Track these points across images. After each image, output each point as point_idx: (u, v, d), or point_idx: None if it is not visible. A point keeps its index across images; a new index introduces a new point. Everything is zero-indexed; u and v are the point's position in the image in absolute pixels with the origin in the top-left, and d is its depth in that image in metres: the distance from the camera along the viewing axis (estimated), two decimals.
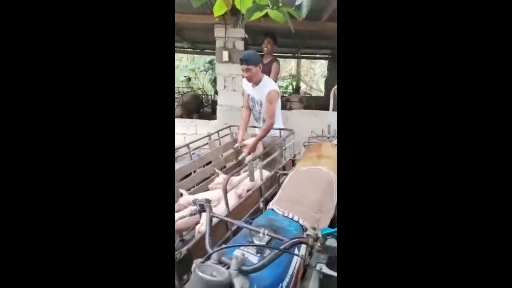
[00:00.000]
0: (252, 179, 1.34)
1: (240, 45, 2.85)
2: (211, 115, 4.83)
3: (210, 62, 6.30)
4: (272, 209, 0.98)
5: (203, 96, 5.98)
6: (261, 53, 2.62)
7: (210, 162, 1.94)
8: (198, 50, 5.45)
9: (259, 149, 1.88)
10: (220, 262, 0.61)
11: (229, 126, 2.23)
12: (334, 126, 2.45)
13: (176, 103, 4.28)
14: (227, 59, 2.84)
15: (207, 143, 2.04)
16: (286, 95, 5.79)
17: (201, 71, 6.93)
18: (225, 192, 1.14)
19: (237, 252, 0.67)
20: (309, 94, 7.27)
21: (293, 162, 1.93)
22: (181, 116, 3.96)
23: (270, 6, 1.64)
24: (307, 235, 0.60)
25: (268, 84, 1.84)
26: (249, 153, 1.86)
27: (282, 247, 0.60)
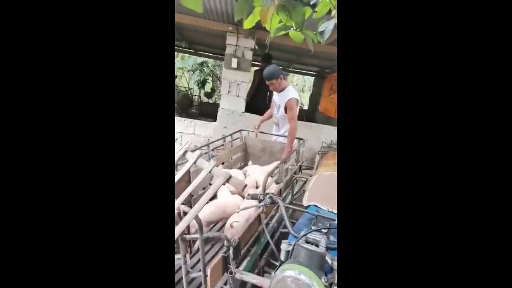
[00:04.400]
0: (280, 180, 1.50)
1: (249, 55, 3.02)
2: (198, 116, 4.85)
3: (202, 63, 6.31)
4: (316, 205, 1.15)
5: (192, 96, 5.95)
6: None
7: (223, 163, 2.05)
8: (192, 51, 5.45)
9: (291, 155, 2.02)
10: (307, 242, 0.77)
11: (240, 130, 2.35)
12: None
13: None
14: (236, 66, 2.98)
15: (222, 145, 2.15)
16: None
17: (188, 71, 6.88)
18: (264, 188, 1.28)
19: (316, 235, 0.83)
20: (301, 106, 7.56)
21: (300, 168, 2.14)
22: (176, 114, 3.95)
23: (294, 28, 1.87)
24: None
25: (289, 93, 2.10)
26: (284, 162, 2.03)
27: None
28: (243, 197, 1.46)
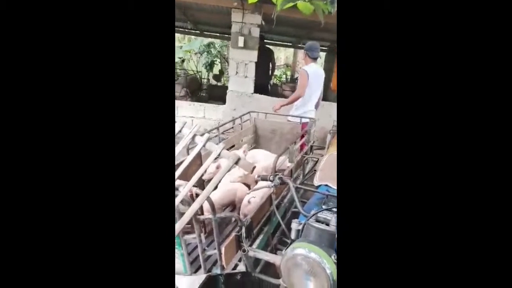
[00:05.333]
0: (291, 160, 1.49)
1: (255, 32, 2.90)
2: (208, 100, 4.83)
3: (208, 45, 6.16)
4: (326, 185, 1.14)
5: (201, 80, 5.91)
6: None
7: (233, 146, 2.06)
8: (198, 32, 5.31)
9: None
10: (318, 221, 0.77)
11: (249, 112, 2.33)
12: None
13: (181, 85, 4.26)
14: (242, 45, 2.88)
15: (232, 127, 2.14)
16: (279, 83, 5.92)
17: (195, 53, 6.75)
18: (274, 169, 1.29)
19: (326, 214, 0.83)
20: None
21: (311, 148, 2.11)
22: (185, 98, 3.96)
23: None
24: None
25: (305, 67, 2.37)
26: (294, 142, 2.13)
27: None
28: (248, 185, 1.47)
